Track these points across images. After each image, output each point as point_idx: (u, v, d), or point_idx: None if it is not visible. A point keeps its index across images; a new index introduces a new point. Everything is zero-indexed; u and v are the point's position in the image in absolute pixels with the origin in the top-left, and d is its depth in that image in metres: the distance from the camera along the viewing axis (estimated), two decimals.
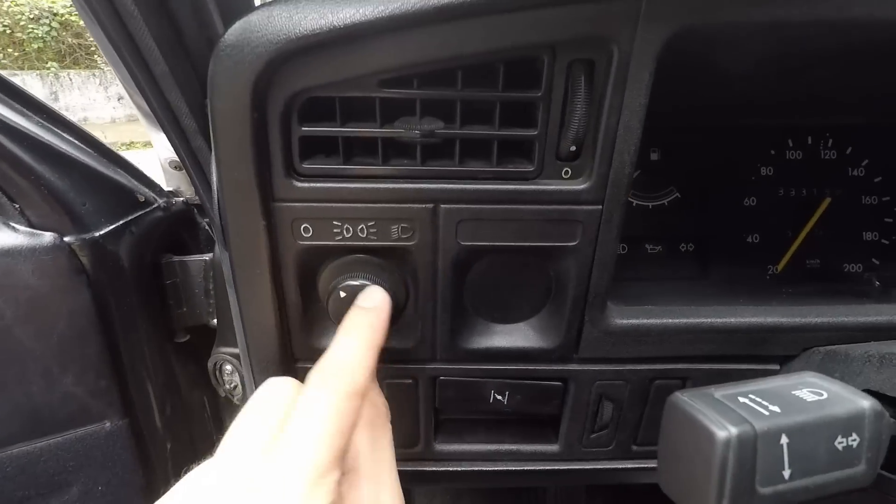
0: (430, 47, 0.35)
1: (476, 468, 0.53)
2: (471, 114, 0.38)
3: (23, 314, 0.59)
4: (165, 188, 0.78)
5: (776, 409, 0.25)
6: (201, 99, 0.42)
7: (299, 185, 0.38)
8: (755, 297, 0.51)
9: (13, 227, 0.59)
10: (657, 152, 0.59)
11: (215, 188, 0.39)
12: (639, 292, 0.52)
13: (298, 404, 0.31)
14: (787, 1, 0.35)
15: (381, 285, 0.42)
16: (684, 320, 0.45)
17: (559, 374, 0.48)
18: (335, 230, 0.39)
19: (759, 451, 0.24)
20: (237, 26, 0.34)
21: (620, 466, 0.54)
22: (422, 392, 0.48)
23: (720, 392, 0.27)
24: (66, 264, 0.60)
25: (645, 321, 0.45)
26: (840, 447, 0.25)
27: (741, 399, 0.26)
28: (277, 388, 0.33)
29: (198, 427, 0.91)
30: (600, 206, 0.39)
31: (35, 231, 0.60)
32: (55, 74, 8.34)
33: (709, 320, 0.45)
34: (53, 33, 8.79)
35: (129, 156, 0.74)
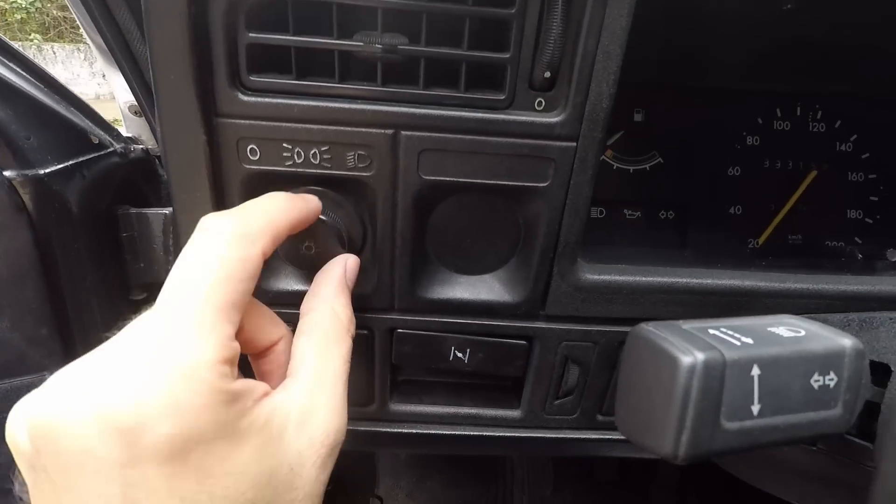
0: None
1: (433, 431, 0.50)
2: (438, 36, 0.35)
3: None
4: (125, 135, 0.74)
5: (749, 340, 0.22)
6: None
7: (246, 98, 0.34)
8: (734, 268, 0.48)
9: None
10: (641, 113, 0.56)
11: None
12: (613, 257, 0.49)
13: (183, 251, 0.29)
14: None
15: (335, 222, 0.38)
16: (658, 279, 0.43)
17: (524, 333, 0.45)
18: (285, 154, 0.36)
19: (727, 382, 0.21)
20: None
21: (584, 436, 0.51)
22: (378, 345, 0.45)
23: (689, 324, 0.24)
24: (5, 200, 0.56)
25: (616, 277, 0.43)
26: (816, 385, 0.23)
27: (711, 331, 0.23)
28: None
29: None
30: (574, 144, 0.36)
31: None
32: (38, 47, 8.12)
33: (684, 280, 0.43)
34: (38, 4, 8.57)
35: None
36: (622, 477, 1.17)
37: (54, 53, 8.21)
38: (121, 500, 0.24)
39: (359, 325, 0.44)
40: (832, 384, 0.23)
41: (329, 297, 0.35)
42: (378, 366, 0.46)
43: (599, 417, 0.50)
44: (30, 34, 8.51)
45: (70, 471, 0.24)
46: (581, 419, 0.50)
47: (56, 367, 0.65)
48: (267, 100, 0.35)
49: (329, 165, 0.37)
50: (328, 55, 0.34)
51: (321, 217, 0.38)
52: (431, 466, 1.16)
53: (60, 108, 0.63)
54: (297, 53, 0.34)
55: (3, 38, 0.61)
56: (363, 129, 0.35)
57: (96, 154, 0.66)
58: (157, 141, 0.73)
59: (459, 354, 0.46)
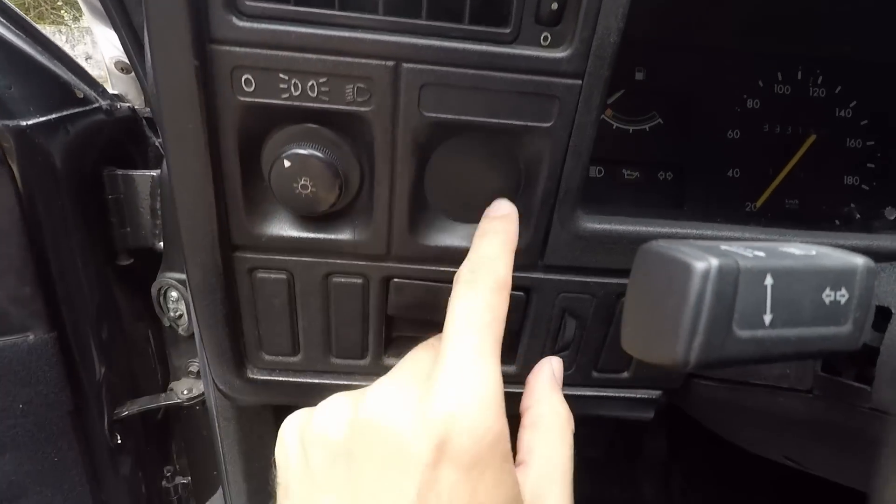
0: None
1: None
2: None
3: None
4: (111, 92, 0.72)
5: (761, 254, 0.22)
6: None
7: (241, 24, 0.33)
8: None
9: None
10: (642, 71, 0.55)
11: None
12: (611, 213, 0.49)
13: (451, 303, 0.33)
14: None
15: (332, 160, 0.37)
16: (658, 229, 0.42)
17: (522, 283, 0.44)
18: (282, 85, 0.35)
19: (741, 289, 0.20)
20: None
21: (580, 393, 0.51)
22: (373, 294, 0.44)
23: (701, 242, 0.23)
24: None
25: (617, 227, 0.42)
26: (827, 300, 0.22)
27: (724, 247, 0.23)
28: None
29: (140, 361, 0.85)
30: (580, 82, 0.36)
31: None
32: None
33: (684, 231, 0.42)
34: None
35: None
36: (608, 455, 1.18)
37: None
38: (414, 497, 0.27)
39: (353, 273, 0.43)
40: (843, 300, 0.23)
41: (546, 395, 0.38)
42: (373, 317, 0.45)
43: (595, 374, 0.50)
44: None
45: (380, 461, 0.29)
46: (577, 375, 0.50)
47: (40, 328, 0.64)
48: (263, 26, 0.33)
49: (327, 99, 0.35)
50: None
51: (317, 154, 0.37)
52: None
53: (43, 59, 0.61)
54: None
55: None
56: (363, 60, 0.34)
57: (81, 109, 0.64)
58: (145, 93, 0.71)
59: None
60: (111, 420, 0.73)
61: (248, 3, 0.33)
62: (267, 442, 0.65)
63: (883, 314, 0.34)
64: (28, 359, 0.61)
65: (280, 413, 0.64)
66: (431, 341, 0.38)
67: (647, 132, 0.56)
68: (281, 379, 0.49)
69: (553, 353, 0.48)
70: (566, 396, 0.51)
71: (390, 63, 0.34)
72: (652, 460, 1.16)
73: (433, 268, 0.43)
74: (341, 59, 0.34)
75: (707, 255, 0.21)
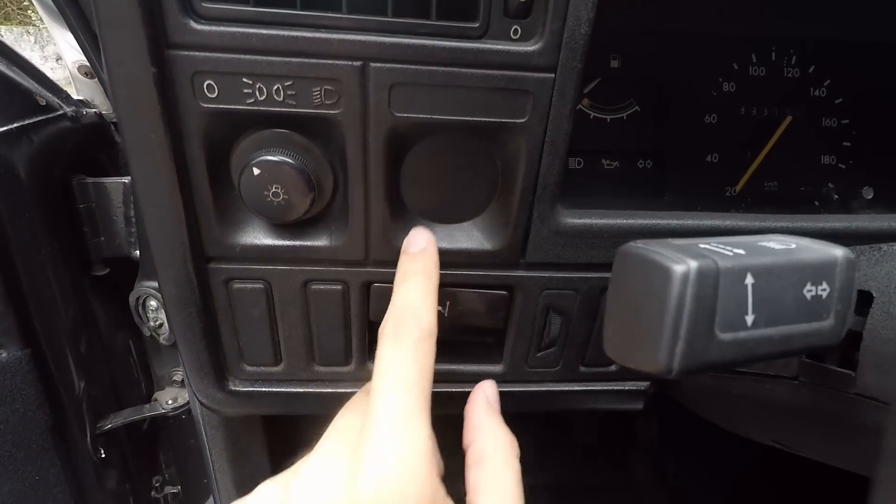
0: None
1: None
2: None
3: None
4: (76, 97, 0.69)
5: (741, 252, 0.21)
6: None
7: (199, 27, 0.32)
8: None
9: None
10: (617, 59, 0.55)
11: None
12: (592, 206, 0.49)
13: (377, 360, 0.33)
14: None
15: (304, 165, 0.36)
16: (639, 221, 0.42)
17: (504, 282, 0.44)
18: (246, 90, 0.34)
19: (721, 291, 0.20)
20: None
21: (567, 388, 0.50)
22: (353, 301, 0.43)
23: (679, 241, 0.23)
24: None
25: (597, 221, 0.42)
26: (808, 296, 0.22)
27: (702, 245, 0.22)
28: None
29: (121, 371, 0.83)
30: (552, 75, 0.35)
31: None
32: None
33: (665, 222, 0.42)
34: None
35: None
36: (601, 441, 1.19)
37: (2, 36, 7.81)
38: None
39: (332, 280, 0.42)
40: (824, 294, 0.22)
41: (484, 424, 0.37)
42: (355, 323, 0.45)
43: (582, 369, 0.50)
44: None
45: None
46: (564, 371, 0.49)
47: (12, 345, 0.62)
48: (223, 28, 0.32)
49: (294, 103, 0.34)
50: None
51: (287, 160, 0.36)
52: None
53: (0, 66, 0.59)
54: None
55: None
56: (329, 62, 0.33)
57: (45, 117, 0.62)
58: (107, 95, 0.69)
59: (439, 307, 0.44)
60: (94, 434, 0.71)
61: (205, 5, 0.32)
62: (255, 449, 0.64)
63: (864, 298, 0.34)
64: (2, 377, 0.59)
65: (268, 418, 0.64)
66: (359, 398, 0.37)
67: (625, 120, 0.56)
68: (264, 389, 0.48)
69: (539, 351, 0.48)
70: (553, 392, 0.51)
71: (357, 63, 0.33)
72: (645, 445, 1.17)
73: None
74: (306, 60, 0.33)
75: (686, 256, 0.20)
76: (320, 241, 0.40)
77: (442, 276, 0.43)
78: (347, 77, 0.34)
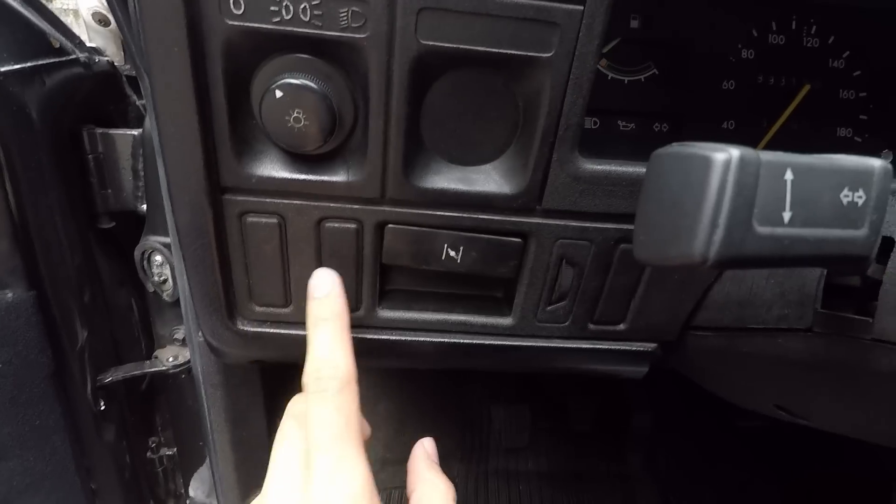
0: None
1: (422, 338, 0.48)
2: None
3: None
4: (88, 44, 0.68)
5: (780, 151, 0.21)
6: None
7: None
8: None
9: None
10: (637, 20, 0.54)
11: None
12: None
13: (307, 414, 0.36)
14: None
15: (326, 91, 0.36)
16: None
17: (519, 228, 0.43)
18: (272, 7, 0.33)
19: (761, 183, 0.20)
20: None
21: (574, 346, 0.50)
22: (367, 241, 0.43)
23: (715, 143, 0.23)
24: None
25: (617, 168, 0.41)
26: (845, 201, 0.22)
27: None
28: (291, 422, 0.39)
29: (123, 329, 0.83)
30: (581, 7, 0.35)
31: None
32: None
33: None
34: None
35: None
36: (596, 427, 1.19)
37: None
38: None
39: (347, 218, 0.42)
40: (860, 202, 0.22)
41: (424, 474, 0.41)
42: (367, 265, 0.44)
43: (591, 326, 0.50)
44: None
45: None
46: (573, 327, 0.49)
47: (18, 286, 0.61)
48: None
49: (320, 24, 0.34)
50: None
51: (310, 84, 0.35)
52: (409, 418, 1.16)
53: (15, 3, 0.58)
54: None
55: None
56: None
57: (57, 59, 0.61)
58: (125, 48, 0.68)
59: (452, 253, 0.44)
60: (94, 386, 0.71)
61: None
62: (254, 412, 0.64)
63: (885, 244, 0.33)
64: (6, 317, 0.59)
65: (268, 378, 0.63)
66: (289, 427, 0.39)
67: (643, 82, 0.56)
68: (272, 331, 0.47)
69: (549, 304, 0.47)
70: (560, 349, 0.51)
71: None
72: (639, 433, 1.18)
73: (429, 212, 0.42)
74: None
75: (727, 147, 0.20)
76: (337, 177, 0.40)
77: (458, 220, 0.43)
78: None
